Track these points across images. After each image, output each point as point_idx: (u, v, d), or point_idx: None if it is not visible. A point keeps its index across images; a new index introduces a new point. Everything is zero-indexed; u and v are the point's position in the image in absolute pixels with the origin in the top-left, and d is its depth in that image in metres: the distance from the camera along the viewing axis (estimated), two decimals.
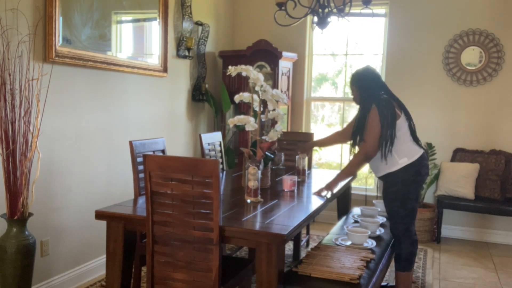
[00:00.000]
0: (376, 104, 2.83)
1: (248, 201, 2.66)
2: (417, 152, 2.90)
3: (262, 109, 2.94)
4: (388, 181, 2.95)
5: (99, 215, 2.33)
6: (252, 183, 2.65)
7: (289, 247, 4.17)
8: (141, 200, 2.61)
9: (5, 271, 2.57)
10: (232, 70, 2.84)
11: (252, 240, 2.08)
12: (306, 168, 3.39)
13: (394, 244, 2.97)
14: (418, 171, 2.89)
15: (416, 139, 2.95)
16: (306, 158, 3.40)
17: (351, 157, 2.97)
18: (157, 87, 4.11)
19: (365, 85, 2.94)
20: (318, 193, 2.86)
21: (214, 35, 5.09)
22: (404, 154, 2.87)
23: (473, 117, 4.72)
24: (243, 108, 4.82)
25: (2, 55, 2.60)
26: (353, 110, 5.34)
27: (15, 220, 2.60)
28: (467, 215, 4.72)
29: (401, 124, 2.87)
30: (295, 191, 2.97)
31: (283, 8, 3.17)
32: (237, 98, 2.92)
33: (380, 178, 3.02)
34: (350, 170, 2.94)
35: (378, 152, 2.89)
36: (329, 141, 3.55)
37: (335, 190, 2.96)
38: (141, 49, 3.95)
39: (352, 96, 3.12)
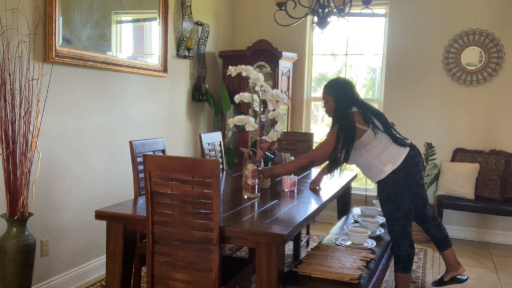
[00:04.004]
0: (340, 124, 2.84)
1: (245, 196, 2.67)
2: (401, 155, 2.85)
3: (262, 109, 2.94)
4: (380, 186, 2.95)
5: (99, 215, 2.33)
6: (251, 180, 2.65)
7: (289, 247, 4.17)
8: (141, 200, 2.61)
9: (5, 271, 2.57)
10: (232, 70, 2.84)
11: (252, 240, 2.08)
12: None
13: (393, 246, 2.97)
14: (407, 172, 2.86)
15: (397, 141, 2.88)
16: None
17: (297, 158, 2.95)
18: (157, 87, 4.11)
19: (342, 99, 2.90)
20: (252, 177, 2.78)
21: (214, 35, 5.09)
22: (387, 161, 2.84)
23: (473, 117, 4.72)
24: (243, 108, 4.82)
25: (2, 55, 2.60)
26: None
27: (15, 220, 2.60)
28: (467, 215, 4.72)
29: (369, 137, 2.82)
30: (295, 191, 2.97)
31: (283, 8, 3.17)
32: (237, 98, 2.92)
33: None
34: (291, 170, 2.90)
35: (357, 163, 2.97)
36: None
37: (267, 181, 2.99)
38: (141, 49, 3.95)
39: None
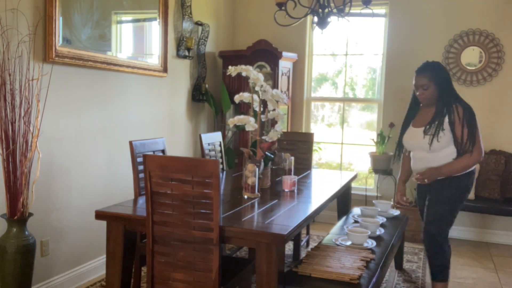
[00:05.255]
0: (464, 108, 2.79)
1: (245, 196, 2.67)
2: None
3: (262, 109, 2.94)
4: (444, 184, 2.85)
5: (99, 215, 2.33)
6: (251, 180, 2.66)
7: (289, 247, 4.17)
8: (141, 200, 2.61)
9: (5, 271, 2.57)
10: (232, 70, 2.84)
11: (252, 240, 2.08)
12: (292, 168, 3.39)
13: (435, 253, 2.84)
14: (472, 180, 2.85)
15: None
16: (293, 158, 3.42)
17: (460, 158, 2.79)
18: (157, 87, 4.11)
19: (448, 82, 2.87)
20: (420, 179, 2.86)
21: (214, 35, 5.09)
22: None
23: None
24: (243, 108, 4.82)
25: (2, 55, 2.61)
26: (353, 110, 5.35)
27: (15, 220, 2.60)
28: (467, 215, 4.71)
29: None
30: (295, 191, 2.97)
31: (283, 8, 3.17)
32: (237, 98, 2.92)
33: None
34: (459, 170, 2.79)
35: (447, 151, 2.82)
36: (410, 170, 3.21)
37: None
38: (141, 49, 3.95)
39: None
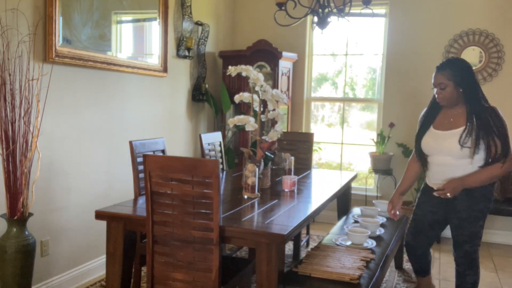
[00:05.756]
0: (494, 111, 2.54)
1: (245, 196, 2.67)
2: None
3: (262, 109, 2.94)
4: (474, 196, 2.57)
5: (99, 215, 2.33)
6: (251, 180, 2.66)
7: (289, 247, 4.17)
8: (141, 200, 2.61)
9: (5, 271, 2.57)
10: (232, 70, 2.84)
11: (252, 240, 2.08)
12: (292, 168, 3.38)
13: (469, 271, 2.63)
14: (495, 186, 2.63)
15: None
16: (293, 158, 3.41)
17: (490, 168, 2.51)
18: (157, 87, 4.11)
19: (471, 81, 2.56)
20: (442, 193, 2.57)
21: (214, 35, 5.09)
22: None
23: None
24: (243, 108, 4.82)
25: (2, 55, 2.60)
26: (353, 110, 5.35)
27: (15, 220, 2.60)
28: None
29: None
30: (295, 191, 2.97)
31: (283, 8, 3.17)
32: (237, 98, 2.92)
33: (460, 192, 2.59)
34: (485, 180, 2.52)
35: (477, 158, 2.52)
36: (412, 180, 2.97)
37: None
38: (141, 49, 3.95)
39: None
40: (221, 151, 3.82)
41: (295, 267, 2.37)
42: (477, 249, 2.62)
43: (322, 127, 5.51)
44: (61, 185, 3.13)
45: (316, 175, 3.76)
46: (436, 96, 2.65)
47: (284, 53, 4.90)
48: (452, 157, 2.57)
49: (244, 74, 2.83)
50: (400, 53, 4.90)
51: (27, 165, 2.64)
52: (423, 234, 2.84)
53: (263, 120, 2.94)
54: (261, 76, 2.84)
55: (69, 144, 3.17)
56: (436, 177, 2.70)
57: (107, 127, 3.51)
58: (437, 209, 2.75)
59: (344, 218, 3.50)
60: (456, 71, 2.56)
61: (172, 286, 2.18)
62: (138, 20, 3.97)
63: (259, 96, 2.91)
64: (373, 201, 3.62)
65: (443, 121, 2.68)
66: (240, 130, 4.76)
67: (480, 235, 2.61)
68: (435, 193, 2.61)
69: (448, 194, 2.55)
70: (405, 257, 4.05)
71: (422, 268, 3.03)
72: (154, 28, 4.04)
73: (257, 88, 2.86)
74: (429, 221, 2.80)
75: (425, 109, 2.85)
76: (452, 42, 4.71)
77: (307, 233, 4.34)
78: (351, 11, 3.16)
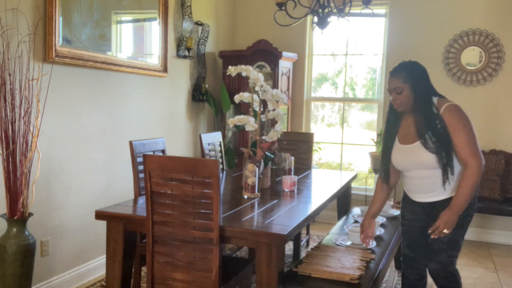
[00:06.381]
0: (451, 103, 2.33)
1: (245, 196, 2.67)
2: None
3: (262, 109, 2.94)
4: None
5: (99, 215, 2.33)
6: (251, 180, 2.66)
7: (289, 247, 4.17)
8: (141, 200, 2.61)
9: (5, 271, 2.57)
10: (232, 70, 2.84)
11: (252, 240, 2.08)
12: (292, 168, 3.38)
13: (450, 284, 2.42)
14: (478, 189, 2.40)
15: None
16: (293, 158, 3.39)
17: (461, 181, 2.27)
18: (157, 87, 4.11)
19: (422, 85, 2.41)
20: (437, 234, 2.30)
21: (214, 35, 5.09)
22: None
23: (473, 117, 4.63)
24: (243, 108, 4.82)
25: (2, 55, 2.60)
26: (353, 110, 5.35)
27: (15, 220, 2.60)
28: None
29: None
30: (295, 191, 2.97)
31: (283, 8, 3.17)
32: (237, 98, 2.92)
33: (438, 202, 2.38)
34: (470, 193, 2.26)
35: (438, 167, 2.31)
36: (383, 201, 2.69)
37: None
38: (141, 49, 3.95)
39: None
40: (221, 151, 3.82)
41: (295, 267, 2.37)
42: (454, 261, 2.40)
43: (322, 127, 5.51)
44: (61, 185, 3.13)
45: (316, 175, 3.76)
46: (393, 102, 2.45)
47: (284, 53, 4.90)
48: (428, 170, 2.37)
49: (244, 74, 2.83)
50: (400, 53, 4.89)
51: (27, 165, 2.64)
52: (418, 243, 2.57)
53: (263, 120, 2.94)
54: (261, 76, 2.84)
55: (69, 144, 3.17)
56: (417, 190, 2.48)
57: (107, 127, 3.51)
58: (421, 216, 2.52)
59: (344, 218, 3.50)
60: (411, 73, 2.45)
61: (172, 286, 2.18)
62: (138, 20, 3.97)
63: (259, 96, 2.91)
64: None
65: (407, 131, 2.46)
66: (240, 130, 4.76)
67: (459, 246, 2.39)
68: (432, 236, 2.34)
69: (445, 231, 2.29)
70: None
71: None
72: (154, 28, 4.04)
73: (257, 88, 2.86)
74: (419, 228, 2.54)
75: (385, 122, 2.61)
76: (452, 42, 4.71)
77: (307, 233, 4.35)
78: (351, 11, 3.16)
